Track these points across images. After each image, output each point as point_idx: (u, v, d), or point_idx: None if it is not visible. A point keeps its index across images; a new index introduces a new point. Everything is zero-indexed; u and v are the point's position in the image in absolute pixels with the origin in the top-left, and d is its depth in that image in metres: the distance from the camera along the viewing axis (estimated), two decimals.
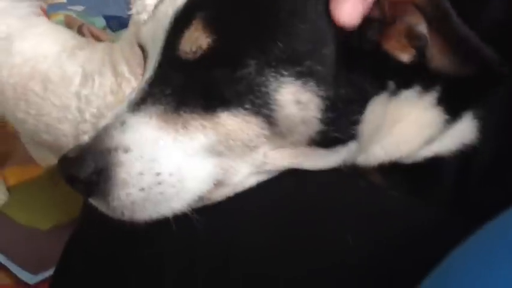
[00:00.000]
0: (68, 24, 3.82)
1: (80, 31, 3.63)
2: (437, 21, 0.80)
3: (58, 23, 3.79)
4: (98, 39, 3.59)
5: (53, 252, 1.88)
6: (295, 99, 0.82)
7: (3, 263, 1.94)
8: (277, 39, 0.81)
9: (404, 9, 0.81)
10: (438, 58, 0.82)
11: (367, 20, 0.82)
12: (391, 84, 0.88)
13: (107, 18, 4.06)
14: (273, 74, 0.81)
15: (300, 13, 0.83)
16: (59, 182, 0.86)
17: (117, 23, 4.08)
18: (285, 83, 0.82)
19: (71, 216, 2.11)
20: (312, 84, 0.82)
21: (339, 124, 0.85)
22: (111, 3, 4.32)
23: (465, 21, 0.79)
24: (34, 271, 1.93)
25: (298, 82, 0.82)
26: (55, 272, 1.08)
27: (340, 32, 0.82)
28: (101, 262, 0.96)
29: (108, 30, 3.95)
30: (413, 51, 0.83)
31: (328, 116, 0.83)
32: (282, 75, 0.81)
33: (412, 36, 0.82)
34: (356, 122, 0.86)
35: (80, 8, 4.32)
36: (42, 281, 1.90)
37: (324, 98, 0.83)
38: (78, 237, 1.06)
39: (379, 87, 0.87)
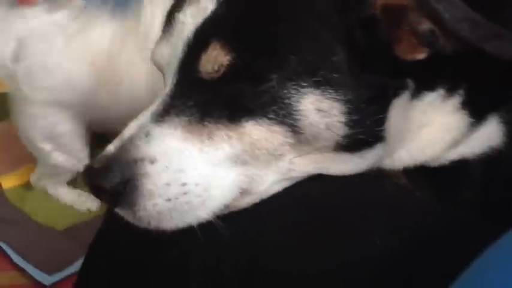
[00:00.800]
0: None
1: None
2: (432, 19, 0.80)
3: None
4: None
5: (68, 253, 1.94)
6: (316, 107, 0.83)
7: (19, 263, 1.94)
8: (290, 53, 0.83)
9: (401, 10, 0.82)
10: (450, 45, 0.81)
11: (369, 22, 0.83)
12: (411, 83, 0.88)
13: None
14: (293, 86, 0.82)
15: (303, 26, 0.84)
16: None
17: None
18: (306, 93, 0.82)
19: (85, 217, 2.15)
20: (330, 91, 0.83)
21: (363, 125, 0.85)
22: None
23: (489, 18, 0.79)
24: (49, 272, 1.92)
25: (317, 91, 0.83)
26: (80, 272, 1.09)
27: (349, 37, 0.84)
28: (125, 264, 0.98)
29: None
30: (425, 49, 0.84)
31: (352, 118, 0.84)
32: (302, 86, 0.82)
33: (418, 35, 0.83)
34: (380, 122, 0.87)
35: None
36: (58, 282, 1.91)
37: (345, 102, 0.83)
38: (102, 239, 1.07)
39: (399, 87, 0.88)
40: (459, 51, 0.80)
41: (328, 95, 0.83)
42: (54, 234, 2.06)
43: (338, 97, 0.83)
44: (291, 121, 0.83)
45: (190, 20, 0.88)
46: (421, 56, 0.84)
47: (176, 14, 0.91)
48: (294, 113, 0.83)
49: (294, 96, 0.82)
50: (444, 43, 0.80)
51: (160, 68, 0.95)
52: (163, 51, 0.92)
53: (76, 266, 1.92)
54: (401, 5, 0.81)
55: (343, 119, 0.84)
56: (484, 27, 0.78)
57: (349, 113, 0.84)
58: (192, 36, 0.87)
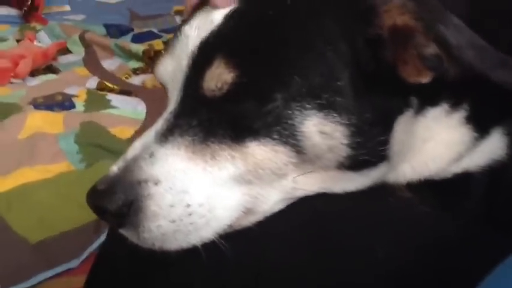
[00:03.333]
0: (66, 32, 3.83)
1: (82, 38, 3.64)
2: (438, 44, 0.82)
3: (54, 30, 3.81)
4: (101, 44, 3.60)
5: (30, 268, 1.98)
6: (319, 130, 0.85)
7: None
8: (295, 74, 0.84)
9: (408, 33, 0.84)
10: (454, 70, 0.83)
11: (375, 43, 0.85)
12: (414, 101, 0.90)
13: (107, 26, 4.05)
14: (297, 107, 0.84)
15: (310, 48, 0.85)
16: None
17: (117, 31, 4.09)
18: (309, 115, 0.84)
19: (63, 228, 2.14)
20: (334, 115, 0.84)
21: (367, 147, 0.87)
22: (111, 11, 4.32)
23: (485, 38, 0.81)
24: (4, 285, 1.94)
25: (321, 114, 0.84)
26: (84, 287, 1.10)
27: (355, 58, 0.85)
28: (129, 283, 0.98)
29: (108, 37, 3.94)
30: (429, 73, 0.86)
31: (356, 140, 0.86)
32: (306, 108, 0.84)
33: (424, 58, 0.84)
34: (384, 143, 0.89)
35: (80, 17, 4.33)
36: None
37: (348, 125, 0.85)
38: (105, 258, 1.08)
39: (403, 105, 0.90)
40: (463, 75, 0.82)
41: (332, 119, 0.84)
42: (24, 247, 2.08)
43: (342, 121, 0.84)
44: (294, 141, 0.84)
45: (195, 33, 0.90)
46: (425, 79, 0.86)
47: (182, 27, 0.93)
48: (297, 133, 0.84)
49: (297, 117, 0.84)
50: (449, 68, 0.82)
51: (163, 84, 0.96)
52: (167, 66, 0.93)
53: (33, 281, 1.97)
54: (409, 28, 0.83)
55: (346, 141, 0.85)
56: (490, 55, 0.80)
57: (352, 135, 0.85)
58: (197, 50, 0.88)
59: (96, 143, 2.64)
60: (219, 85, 0.84)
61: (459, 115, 0.94)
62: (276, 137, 0.84)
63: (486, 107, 0.94)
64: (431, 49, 0.83)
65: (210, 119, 0.86)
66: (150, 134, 0.88)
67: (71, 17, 4.46)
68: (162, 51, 0.97)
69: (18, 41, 3.83)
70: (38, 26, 4.14)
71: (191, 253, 0.86)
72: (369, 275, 0.87)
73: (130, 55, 3.73)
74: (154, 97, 3.13)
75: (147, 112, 3.02)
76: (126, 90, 3.26)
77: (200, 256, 0.85)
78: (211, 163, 0.85)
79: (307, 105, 0.83)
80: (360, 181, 0.92)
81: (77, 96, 3.11)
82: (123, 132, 2.77)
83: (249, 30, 0.87)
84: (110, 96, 3.16)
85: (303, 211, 0.91)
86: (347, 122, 0.84)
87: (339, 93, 0.84)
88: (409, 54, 0.84)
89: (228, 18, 0.88)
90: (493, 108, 0.94)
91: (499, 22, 0.96)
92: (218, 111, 0.86)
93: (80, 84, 3.26)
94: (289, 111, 0.83)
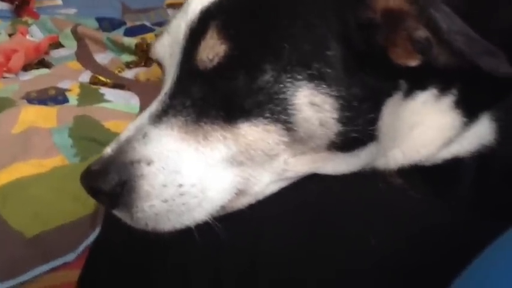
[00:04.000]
0: (59, 26, 3.82)
1: (74, 31, 3.64)
2: (430, 28, 0.84)
3: (46, 24, 3.80)
4: (93, 38, 3.60)
5: (27, 262, 1.99)
6: (310, 101, 0.86)
7: None
8: (284, 41, 0.86)
9: (400, 16, 0.86)
10: (443, 57, 0.86)
11: (367, 24, 0.87)
12: (403, 84, 0.92)
13: (99, 20, 4.04)
14: (289, 79, 0.86)
15: (300, 18, 0.88)
16: None
17: (109, 24, 4.08)
18: (300, 86, 0.86)
19: (59, 222, 2.14)
20: (324, 86, 0.86)
21: (356, 123, 0.89)
22: (103, 5, 4.31)
23: (474, 28, 0.83)
24: (2, 278, 1.94)
25: (311, 85, 0.86)
26: (80, 277, 1.12)
27: (345, 36, 0.87)
28: (126, 270, 1.00)
29: (101, 31, 3.93)
30: (419, 56, 0.87)
31: (345, 115, 0.88)
32: (297, 79, 0.86)
33: (414, 41, 0.86)
34: (373, 121, 0.91)
35: (72, 10, 4.31)
36: None
37: (338, 98, 0.87)
38: (103, 244, 1.10)
39: (392, 87, 0.92)
40: (451, 65, 0.85)
41: (322, 90, 0.86)
42: (20, 241, 2.07)
43: (331, 93, 0.86)
44: (285, 117, 0.86)
45: (198, 2, 0.91)
46: (414, 63, 0.88)
47: None
48: (288, 107, 0.86)
49: (289, 90, 0.86)
50: (437, 53, 0.85)
51: (160, 61, 0.97)
52: (164, 41, 0.95)
53: (29, 274, 1.97)
54: (402, 10, 0.85)
55: (335, 115, 0.87)
56: (479, 43, 0.82)
57: (341, 109, 0.87)
58: (196, 19, 0.90)
59: (90, 137, 2.62)
60: (211, 56, 0.86)
61: (448, 100, 0.95)
62: (267, 115, 0.86)
63: (475, 92, 0.95)
64: (422, 32, 0.85)
65: (203, 99, 0.88)
66: (144, 116, 0.90)
67: (63, 10, 4.45)
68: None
69: (10, 35, 3.83)
70: (30, 20, 4.12)
71: (186, 236, 0.88)
72: (361, 262, 0.89)
73: (122, 49, 3.73)
74: (147, 90, 3.11)
75: (140, 106, 3.02)
76: (119, 84, 3.25)
77: (195, 242, 0.87)
78: (204, 144, 0.87)
79: (298, 76, 0.85)
80: (350, 163, 0.94)
81: (70, 90, 3.09)
82: (116, 126, 2.75)
83: (249, 4, 0.88)
84: (103, 90, 3.14)
85: (297, 196, 0.93)
86: (336, 94, 0.86)
87: (329, 64, 0.86)
88: (399, 37, 0.86)
89: None
90: (482, 93, 0.96)
91: (490, 16, 0.98)
92: (211, 88, 0.88)
93: (72, 79, 3.25)
94: (281, 85, 0.85)
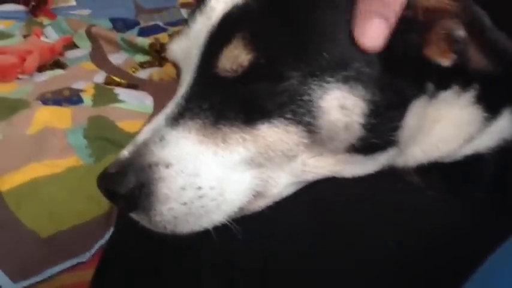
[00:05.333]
0: (73, 27, 3.85)
1: (88, 32, 3.66)
2: (472, 28, 0.83)
3: (60, 25, 3.83)
4: (107, 39, 3.62)
5: (41, 262, 2.02)
6: (340, 104, 0.85)
7: None
8: (322, 50, 0.84)
9: (441, 14, 0.84)
10: (477, 60, 0.85)
11: (407, 23, 0.85)
12: (431, 87, 0.91)
13: (113, 20, 4.06)
14: (315, 82, 0.84)
15: (338, 19, 0.85)
16: None
17: (123, 25, 4.10)
18: (330, 89, 0.84)
19: (73, 222, 2.17)
20: (359, 88, 0.85)
21: (379, 130, 0.88)
22: (117, 5, 4.33)
23: (497, 25, 0.82)
24: (15, 278, 1.97)
25: (345, 87, 0.84)
26: (94, 278, 1.11)
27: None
28: (139, 271, 0.99)
29: (115, 31, 3.95)
30: (453, 56, 0.86)
31: (371, 121, 0.86)
32: (327, 82, 0.84)
33: (450, 41, 0.85)
34: (396, 129, 0.89)
35: (86, 11, 4.34)
36: None
37: (370, 102, 0.85)
38: (116, 245, 1.09)
39: (419, 90, 0.90)
40: (482, 71, 0.84)
41: (356, 92, 0.84)
42: (35, 241, 2.10)
43: (366, 96, 0.85)
44: (308, 119, 0.84)
45: (221, 6, 0.89)
46: (447, 62, 0.86)
47: None
48: (313, 110, 0.84)
49: (316, 93, 0.84)
50: (472, 54, 0.84)
51: (175, 63, 0.96)
52: (182, 43, 0.93)
53: (44, 274, 2.00)
54: (444, 9, 0.83)
55: (362, 120, 0.86)
56: None
57: (369, 115, 0.85)
58: (218, 25, 0.88)
59: (104, 137, 2.65)
60: (235, 67, 0.84)
61: (469, 95, 0.94)
62: (289, 116, 0.84)
63: (496, 87, 0.94)
64: (461, 32, 0.83)
65: (222, 102, 0.86)
66: (160, 118, 0.88)
67: (77, 11, 4.47)
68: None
69: (25, 36, 3.86)
70: (45, 21, 4.15)
71: (200, 236, 0.87)
72: (376, 261, 0.87)
73: (136, 49, 3.75)
74: (161, 90, 3.15)
75: (154, 106, 3.04)
76: (133, 84, 3.28)
77: (209, 244, 0.87)
78: (223, 146, 0.86)
79: (329, 79, 0.83)
80: (369, 165, 0.93)
81: (84, 90, 3.12)
82: (130, 126, 2.79)
83: (272, 10, 0.85)
84: (118, 90, 3.17)
85: (313, 197, 0.92)
86: (370, 98, 0.84)
87: (370, 63, 0.84)
88: (437, 36, 0.85)
89: None
90: (503, 87, 0.94)
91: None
92: (231, 92, 0.86)
93: (87, 79, 3.28)
94: (305, 87, 0.83)
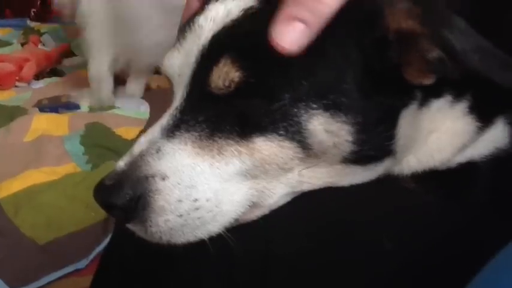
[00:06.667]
0: (70, 34, 3.88)
1: None
2: (444, 50, 0.82)
3: (58, 33, 3.84)
4: None
5: (38, 269, 2.01)
6: (325, 128, 0.84)
7: None
8: (302, 77, 0.84)
9: (414, 36, 0.83)
10: (457, 72, 0.83)
11: (381, 45, 0.85)
12: (418, 94, 0.90)
13: None
14: (303, 106, 0.84)
15: (319, 52, 0.84)
16: None
17: None
18: (315, 114, 0.84)
19: (71, 230, 2.16)
20: (340, 114, 0.84)
21: (372, 143, 0.87)
22: None
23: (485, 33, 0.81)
24: (13, 285, 1.96)
25: (327, 114, 0.84)
26: (91, 287, 1.11)
27: (361, 57, 0.85)
28: (137, 279, 0.99)
29: None
30: (433, 76, 0.86)
31: (360, 137, 0.86)
32: (312, 108, 0.84)
33: (427, 61, 0.84)
34: (389, 138, 0.89)
35: None
36: None
37: (354, 124, 0.85)
38: (113, 253, 1.09)
39: (407, 99, 0.89)
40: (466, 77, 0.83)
41: (338, 118, 0.84)
42: (32, 248, 2.09)
43: (347, 120, 0.84)
44: (300, 138, 0.85)
45: (209, 26, 0.89)
46: (428, 81, 0.86)
47: (197, 16, 0.92)
48: (303, 131, 0.84)
49: (303, 116, 0.84)
50: (452, 70, 0.83)
51: (169, 77, 0.96)
52: (175, 60, 0.93)
53: (42, 281, 1.99)
54: (414, 32, 0.83)
55: (351, 138, 0.85)
56: (494, 58, 0.80)
57: (357, 133, 0.85)
58: (207, 45, 0.88)
59: (101, 144, 2.67)
60: (227, 83, 0.84)
61: (462, 105, 0.94)
62: (282, 132, 0.84)
63: (489, 97, 0.93)
64: (435, 53, 0.83)
65: (217, 115, 0.86)
66: (155, 130, 0.88)
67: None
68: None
69: (22, 44, 3.88)
70: (43, 29, 4.18)
71: (198, 246, 0.86)
72: (376, 266, 0.87)
73: None
74: (157, 97, 3.18)
75: (150, 112, 3.07)
76: None
77: (207, 249, 0.86)
78: (218, 158, 0.86)
79: (313, 105, 0.83)
80: (366, 175, 0.92)
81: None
82: (127, 132, 2.81)
83: (260, 30, 0.84)
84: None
85: (310, 202, 0.91)
86: (352, 121, 0.84)
87: (345, 94, 0.84)
88: (413, 57, 0.84)
89: (243, 14, 0.87)
90: (496, 97, 0.93)
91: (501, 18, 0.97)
92: (225, 108, 0.86)
93: (84, 86, 3.28)
94: (296, 110, 0.83)
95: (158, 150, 0.86)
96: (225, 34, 0.87)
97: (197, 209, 0.85)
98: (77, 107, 3.07)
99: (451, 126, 0.94)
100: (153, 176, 0.84)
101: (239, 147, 0.85)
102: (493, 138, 0.96)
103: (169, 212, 0.84)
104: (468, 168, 0.97)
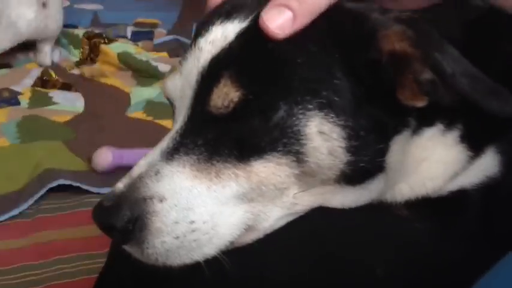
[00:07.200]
0: None
1: None
2: (435, 72, 0.83)
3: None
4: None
5: None
6: (319, 130, 0.85)
7: None
8: (292, 73, 0.85)
9: (407, 58, 0.84)
10: (449, 97, 0.84)
11: (374, 65, 0.86)
12: (412, 121, 0.91)
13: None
14: (301, 111, 0.84)
15: (305, 51, 0.86)
16: None
17: None
18: (312, 116, 0.84)
19: None
20: (332, 115, 0.85)
21: (364, 153, 0.87)
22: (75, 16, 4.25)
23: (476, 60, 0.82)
24: None
25: (321, 114, 0.85)
26: None
27: (353, 70, 0.86)
28: None
29: None
30: (425, 98, 0.86)
31: (352, 144, 0.86)
32: (308, 109, 0.84)
33: (420, 83, 0.85)
34: (381, 152, 0.89)
35: None
36: None
37: (344, 127, 0.85)
38: (110, 273, 1.08)
39: (400, 124, 0.90)
40: (456, 102, 0.83)
41: (330, 119, 0.84)
42: None
43: (339, 122, 0.85)
44: (297, 147, 0.84)
45: (208, 48, 0.90)
46: (421, 104, 0.87)
47: (198, 39, 0.92)
48: (300, 138, 0.84)
49: (301, 121, 0.84)
50: (443, 93, 0.83)
51: (171, 100, 0.96)
52: (176, 82, 0.94)
53: None
54: (407, 54, 0.83)
55: (343, 144, 0.85)
56: (483, 84, 0.81)
57: (348, 138, 0.85)
58: (207, 66, 0.88)
59: (34, 126, 2.84)
60: (226, 103, 0.85)
61: (454, 134, 0.95)
62: (280, 148, 0.84)
63: (480, 126, 0.95)
64: (427, 75, 0.83)
65: (216, 138, 0.86)
66: (155, 153, 0.88)
67: None
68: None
69: None
70: None
71: (194, 269, 0.86)
72: None
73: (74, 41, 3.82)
74: (92, 90, 3.33)
75: (85, 106, 3.18)
76: (67, 84, 3.35)
77: (203, 272, 0.85)
78: (216, 181, 0.86)
79: (309, 106, 0.84)
80: (358, 196, 0.92)
81: (22, 93, 3.20)
82: (60, 118, 2.98)
83: (256, 49, 0.87)
84: (52, 93, 3.25)
85: (303, 228, 0.92)
86: (343, 124, 0.84)
87: (337, 92, 0.85)
88: (406, 79, 0.85)
89: (240, 35, 0.88)
90: (487, 127, 0.95)
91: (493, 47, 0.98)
92: (224, 129, 0.86)
93: (29, 78, 3.38)
94: (294, 117, 0.84)
95: (157, 173, 0.86)
96: (224, 55, 0.88)
97: (193, 231, 0.84)
98: (17, 102, 3.11)
99: (443, 155, 0.95)
100: (151, 198, 0.84)
101: (236, 170, 0.85)
102: (484, 167, 0.97)
103: (166, 234, 0.83)
104: (459, 197, 0.98)
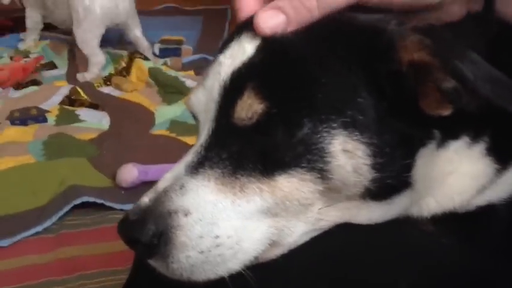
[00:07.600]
0: (56, 50, 4.24)
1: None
2: (457, 80, 0.81)
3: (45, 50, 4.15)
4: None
5: None
6: (343, 148, 0.84)
7: None
8: (317, 92, 0.84)
9: (427, 67, 0.83)
10: (474, 103, 0.83)
11: (395, 77, 0.85)
12: (437, 134, 0.90)
13: None
14: (325, 129, 0.84)
15: (330, 69, 0.86)
16: None
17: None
18: (336, 134, 0.84)
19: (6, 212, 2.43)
20: (356, 133, 0.84)
21: (390, 169, 0.86)
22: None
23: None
24: None
25: (345, 132, 0.84)
26: None
27: (375, 84, 0.85)
28: None
29: None
30: (450, 106, 0.85)
31: (378, 161, 0.85)
32: (333, 128, 0.84)
33: (443, 91, 0.84)
34: (407, 168, 0.88)
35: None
36: None
37: (369, 144, 0.84)
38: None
39: (426, 136, 0.89)
40: (483, 108, 0.82)
41: (354, 137, 0.84)
42: None
43: (363, 139, 0.84)
44: (321, 165, 0.84)
45: (228, 62, 0.90)
46: (446, 112, 0.86)
47: (218, 55, 0.93)
48: (324, 155, 0.84)
49: (326, 139, 0.83)
50: (468, 100, 0.82)
51: (195, 115, 0.97)
52: (200, 96, 0.94)
53: None
54: (426, 63, 0.82)
55: (368, 161, 0.84)
56: (507, 86, 0.80)
57: (374, 156, 0.84)
58: (229, 80, 0.88)
59: (60, 143, 2.89)
60: (250, 115, 0.84)
61: (480, 147, 0.93)
62: (304, 164, 0.84)
63: (506, 139, 0.93)
64: (450, 83, 0.82)
65: (240, 152, 0.86)
66: (180, 166, 0.88)
67: (63, 36, 4.51)
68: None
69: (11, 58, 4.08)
70: (33, 50, 4.25)
71: (219, 284, 0.86)
72: None
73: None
74: (118, 109, 3.37)
75: (110, 124, 3.23)
76: (94, 104, 3.41)
77: (227, 287, 0.85)
78: (240, 195, 0.85)
79: (334, 124, 0.83)
80: (384, 211, 0.91)
81: (50, 111, 3.27)
82: (85, 136, 3.01)
83: (278, 62, 0.87)
84: (79, 111, 3.32)
85: (327, 245, 0.91)
86: (368, 141, 0.84)
87: (361, 111, 0.84)
88: (428, 88, 0.84)
89: (260, 49, 0.88)
90: None
91: None
92: (248, 142, 0.86)
93: (57, 94, 3.48)
94: (318, 135, 0.83)
95: (182, 187, 0.85)
96: (245, 68, 0.88)
97: (218, 245, 0.84)
98: (44, 119, 3.18)
99: (469, 168, 0.94)
100: (175, 212, 0.84)
101: (261, 185, 0.85)
102: (511, 180, 0.95)
103: (191, 248, 0.83)
104: (487, 212, 0.96)
